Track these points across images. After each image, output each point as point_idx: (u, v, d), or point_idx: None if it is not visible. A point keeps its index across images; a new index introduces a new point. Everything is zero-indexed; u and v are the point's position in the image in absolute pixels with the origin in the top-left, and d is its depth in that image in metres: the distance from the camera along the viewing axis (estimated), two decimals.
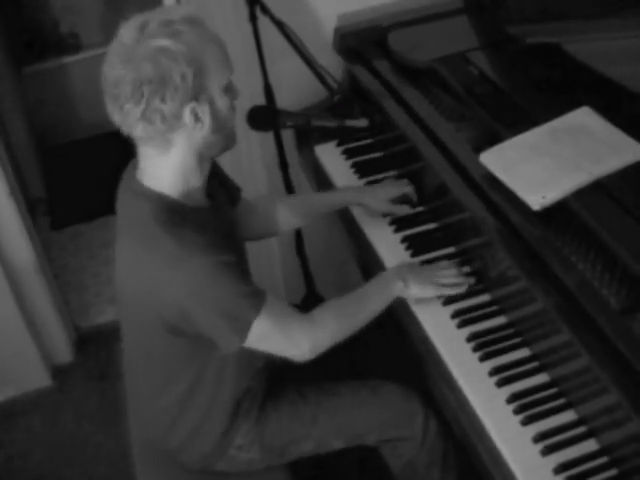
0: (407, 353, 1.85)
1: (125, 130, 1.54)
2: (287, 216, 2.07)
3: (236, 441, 1.85)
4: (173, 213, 1.57)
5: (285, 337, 1.67)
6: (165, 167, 1.60)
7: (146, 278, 1.57)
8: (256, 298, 1.60)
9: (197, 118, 1.53)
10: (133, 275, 1.63)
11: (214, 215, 1.69)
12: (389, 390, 1.95)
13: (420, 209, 2.11)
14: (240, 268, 1.63)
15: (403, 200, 2.11)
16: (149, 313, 1.60)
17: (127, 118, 1.51)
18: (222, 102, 1.57)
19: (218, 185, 1.81)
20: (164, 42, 1.46)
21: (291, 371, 1.75)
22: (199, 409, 1.81)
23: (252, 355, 1.77)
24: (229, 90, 1.59)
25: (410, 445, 1.93)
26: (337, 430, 1.90)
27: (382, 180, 2.23)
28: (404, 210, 2.09)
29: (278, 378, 1.91)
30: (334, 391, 1.93)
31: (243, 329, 1.59)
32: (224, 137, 1.63)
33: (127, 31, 1.49)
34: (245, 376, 1.83)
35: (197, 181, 1.65)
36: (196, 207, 1.64)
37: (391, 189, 2.10)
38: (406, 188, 2.10)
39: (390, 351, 2.11)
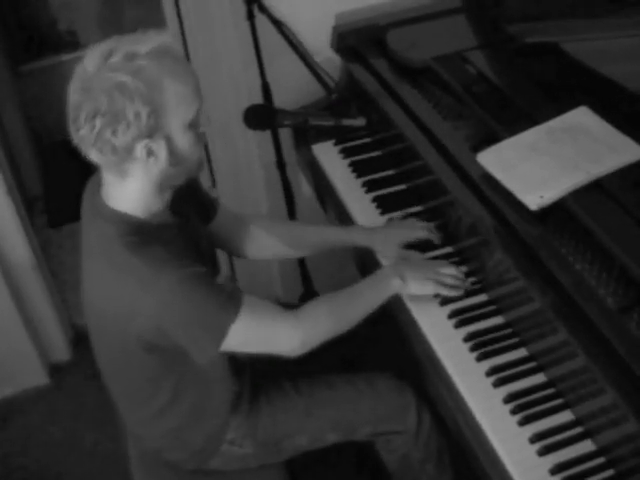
0: (401, 347, 1.84)
1: (82, 152, 1.53)
2: (283, 242, 2.02)
3: (228, 436, 1.85)
4: (138, 233, 1.56)
5: (269, 336, 1.67)
6: (126, 192, 1.58)
7: (118, 301, 1.56)
8: (232, 302, 1.59)
9: (151, 153, 1.51)
10: (103, 298, 1.61)
11: (181, 231, 1.67)
12: (383, 383, 1.95)
13: (418, 209, 2.11)
14: (211, 277, 1.61)
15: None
16: (123, 333, 1.59)
17: (82, 142, 1.51)
18: (183, 138, 1.53)
19: (191, 205, 1.78)
20: (123, 78, 1.43)
21: (284, 365, 1.75)
22: (187, 412, 1.81)
23: (235, 354, 1.79)
24: (194, 125, 1.55)
25: (404, 439, 1.93)
26: (331, 423, 1.90)
27: (382, 177, 2.24)
28: (415, 256, 1.95)
29: (271, 372, 1.92)
30: (328, 384, 1.93)
31: (219, 337, 1.59)
32: (185, 169, 1.60)
33: (92, 58, 1.47)
34: (230, 374, 1.84)
35: (158, 207, 1.62)
36: (161, 224, 1.62)
37: (404, 233, 1.98)
38: (421, 233, 1.98)
39: (384, 345, 2.10)
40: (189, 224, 1.74)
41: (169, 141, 1.52)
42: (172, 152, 1.53)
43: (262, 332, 1.66)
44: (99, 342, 1.77)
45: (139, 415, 1.85)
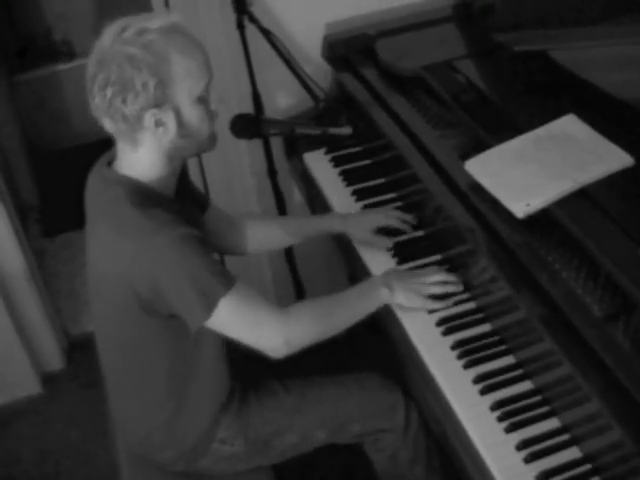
0: (390, 349, 1.85)
1: (99, 121, 1.64)
2: (268, 237, 2.13)
3: (219, 435, 1.87)
4: (145, 196, 1.65)
5: (254, 323, 1.68)
6: (137, 159, 1.67)
7: (119, 256, 1.62)
8: (226, 277, 1.64)
9: (159, 123, 1.61)
10: (106, 256, 1.67)
11: (183, 208, 1.74)
12: (371, 381, 1.97)
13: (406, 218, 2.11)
14: (209, 248, 1.67)
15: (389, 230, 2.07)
16: (123, 292, 1.64)
17: (97, 111, 1.63)
18: (192, 111, 1.63)
19: (188, 191, 1.89)
20: (133, 50, 1.55)
21: (273, 365, 1.76)
22: (179, 404, 1.82)
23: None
24: (203, 100, 1.65)
25: (392, 437, 1.95)
26: (320, 420, 1.92)
27: (372, 185, 2.25)
28: (384, 243, 2.04)
29: (260, 372, 1.93)
30: (317, 382, 1.96)
31: (210, 304, 1.61)
32: (196, 142, 1.70)
33: (107, 33, 1.60)
34: (226, 367, 1.87)
35: (167, 177, 1.71)
36: (166, 195, 1.71)
37: (376, 220, 2.06)
38: (392, 221, 2.06)
39: (372, 344, 2.11)
40: (189, 209, 1.82)
41: (177, 113, 1.62)
42: (181, 124, 1.63)
43: (250, 315, 1.67)
44: (100, 313, 1.81)
45: (133, 406, 1.86)
